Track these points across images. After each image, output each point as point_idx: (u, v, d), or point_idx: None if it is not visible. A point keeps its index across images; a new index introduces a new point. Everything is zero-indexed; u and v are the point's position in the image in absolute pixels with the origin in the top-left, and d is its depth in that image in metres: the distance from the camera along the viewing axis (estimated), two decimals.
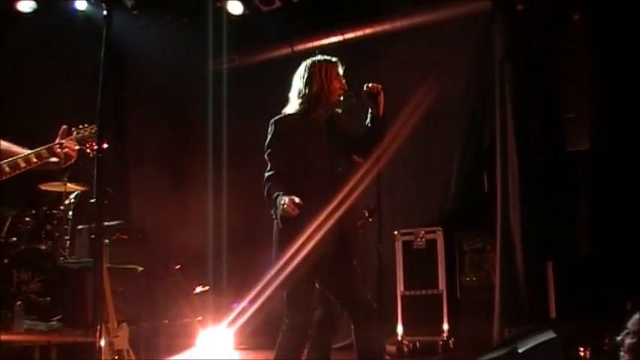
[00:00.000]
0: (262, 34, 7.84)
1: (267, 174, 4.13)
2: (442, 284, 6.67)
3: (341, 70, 4.30)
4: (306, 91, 4.24)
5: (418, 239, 6.87)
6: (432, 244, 6.82)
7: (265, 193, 4.09)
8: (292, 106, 4.31)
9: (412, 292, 6.77)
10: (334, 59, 4.31)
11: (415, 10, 7.32)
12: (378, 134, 4.22)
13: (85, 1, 7.52)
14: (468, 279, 6.81)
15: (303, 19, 7.60)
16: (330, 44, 7.59)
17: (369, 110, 4.23)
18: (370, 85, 4.17)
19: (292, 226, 3.97)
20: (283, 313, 4.04)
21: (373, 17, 7.51)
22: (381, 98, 4.17)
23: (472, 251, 6.85)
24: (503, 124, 6.36)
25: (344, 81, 4.29)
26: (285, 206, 3.85)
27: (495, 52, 6.49)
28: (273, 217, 4.10)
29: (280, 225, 3.98)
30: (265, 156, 4.19)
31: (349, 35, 7.63)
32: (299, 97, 4.27)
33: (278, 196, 3.94)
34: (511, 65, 6.36)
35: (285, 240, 3.98)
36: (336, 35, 7.64)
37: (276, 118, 4.26)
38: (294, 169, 4.13)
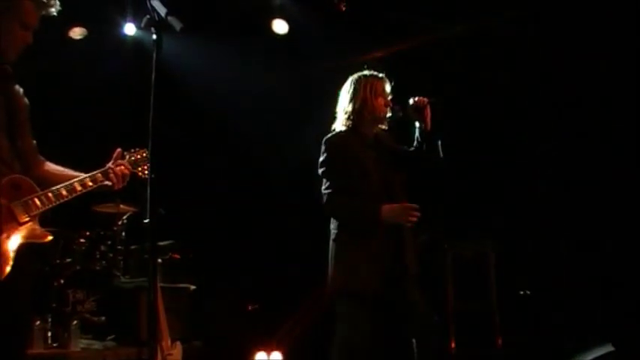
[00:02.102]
0: (308, 50, 7.88)
1: (326, 192, 4.11)
2: (494, 297, 6.59)
3: (388, 87, 4.27)
4: (350, 106, 4.23)
5: (468, 252, 6.80)
6: (482, 256, 6.74)
7: (332, 210, 4.09)
8: (339, 121, 4.31)
9: (463, 305, 6.69)
10: (381, 75, 4.30)
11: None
12: (428, 148, 4.17)
13: (134, 26, 7.70)
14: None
15: (350, 34, 7.59)
16: (376, 58, 7.58)
17: (417, 125, 4.20)
18: (416, 99, 4.15)
19: (356, 243, 4.02)
20: (338, 332, 4.04)
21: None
22: (428, 112, 4.13)
23: None
24: None
25: (390, 97, 4.26)
26: (403, 216, 3.89)
27: None
28: (334, 232, 4.13)
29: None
30: (320, 174, 4.18)
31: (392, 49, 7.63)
32: (344, 113, 4.28)
33: (365, 206, 3.98)
34: None
35: (351, 259, 4.00)
36: (380, 50, 7.64)
37: (328, 136, 4.25)
38: (351, 186, 4.10)
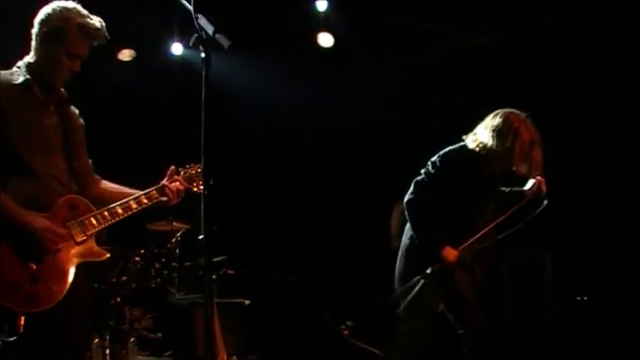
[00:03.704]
0: (353, 61, 7.89)
1: (417, 188, 4.25)
2: (550, 304, 6.47)
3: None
4: (499, 146, 4.20)
5: (523, 258, 6.70)
6: (538, 265, 6.63)
7: (411, 207, 4.23)
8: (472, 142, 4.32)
9: (519, 316, 6.59)
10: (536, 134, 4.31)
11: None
12: (512, 203, 4.29)
13: (181, 46, 7.81)
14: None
15: (395, 43, 7.58)
16: None
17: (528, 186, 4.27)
18: (544, 183, 4.23)
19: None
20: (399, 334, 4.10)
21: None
22: (536, 192, 4.24)
23: None
24: None
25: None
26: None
27: None
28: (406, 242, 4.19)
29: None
30: (425, 172, 4.28)
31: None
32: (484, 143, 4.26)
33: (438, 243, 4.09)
34: None
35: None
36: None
37: (454, 149, 4.33)
38: (446, 202, 4.21)
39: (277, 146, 8.09)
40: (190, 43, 2.85)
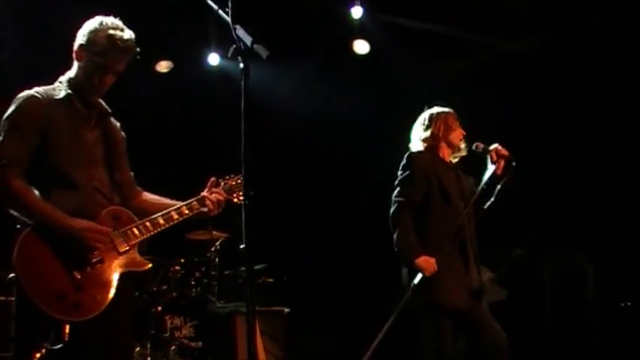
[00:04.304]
0: (389, 71, 7.87)
1: (397, 199, 4.32)
2: (593, 311, 6.38)
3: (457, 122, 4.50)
4: (428, 133, 4.48)
5: (565, 265, 6.62)
6: (579, 270, 6.54)
7: (394, 221, 4.29)
8: (415, 147, 4.55)
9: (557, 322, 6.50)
10: (450, 110, 4.54)
11: None
12: (489, 191, 4.35)
13: (218, 56, 7.87)
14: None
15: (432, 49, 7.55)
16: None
17: (490, 166, 4.35)
18: (500, 147, 4.32)
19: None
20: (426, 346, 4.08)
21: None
22: (502, 164, 4.29)
23: None
24: None
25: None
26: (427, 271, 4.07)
27: None
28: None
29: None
30: (396, 183, 4.39)
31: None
32: (420, 140, 4.51)
33: (410, 244, 4.19)
34: None
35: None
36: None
37: (412, 151, 4.48)
38: (425, 202, 4.29)
39: (315, 155, 8.08)
40: (229, 54, 2.87)
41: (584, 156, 6.95)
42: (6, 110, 3.15)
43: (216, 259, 6.82)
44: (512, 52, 7.32)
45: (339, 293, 7.72)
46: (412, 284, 4.11)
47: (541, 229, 6.72)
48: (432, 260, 4.10)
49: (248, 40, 2.82)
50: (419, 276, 4.10)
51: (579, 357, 6.37)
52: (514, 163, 4.28)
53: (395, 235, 4.26)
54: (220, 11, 2.89)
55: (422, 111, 4.58)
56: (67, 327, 2.94)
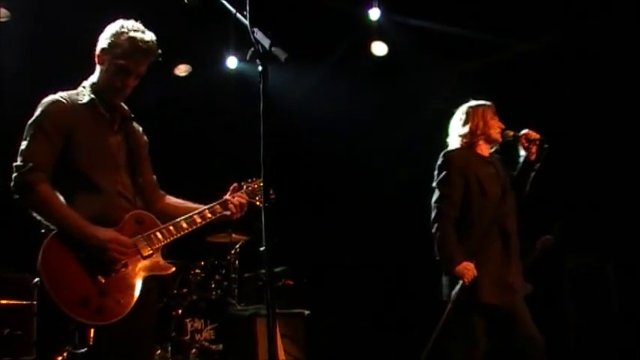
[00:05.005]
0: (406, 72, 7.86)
1: (437, 205, 4.27)
2: (615, 310, 6.33)
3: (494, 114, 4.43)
4: (466, 129, 4.41)
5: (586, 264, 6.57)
6: (600, 271, 6.50)
7: (436, 227, 4.22)
8: (453, 144, 4.48)
9: (582, 323, 6.46)
10: (488, 103, 4.46)
11: None
12: (524, 179, 4.36)
13: (236, 59, 7.89)
14: None
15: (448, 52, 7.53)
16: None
17: (522, 153, 4.34)
18: (531, 131, 4.28)
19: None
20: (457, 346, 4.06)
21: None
22: (535, 149, 4.26)
23: None
24: None
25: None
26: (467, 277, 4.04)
27: None
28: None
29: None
30: (435, 185, 4.36)
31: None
32: (458, 136, 4.44)
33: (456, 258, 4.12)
34: None
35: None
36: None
37: (447, 150, 4.43)
38: (466, 201, 4.25)
39: (335, 156, 8.08)
40: (247, 57, 2.87)
41: (602, 156, 6.89)
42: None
43: (236, 262, 6.84)
44: (530, 52, 7.28)
45: (359, 295, 7.71)
46: (453, 294, 4.08)
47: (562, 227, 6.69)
48: (471, 265, 4.06)
49: (266, 42, 2.82)
50: (459, 284, 4.06)
51: (601, 356, 6.32)
52: (546, 145, 4.24)
53: (435, 243, 4.23)
54: (238, 14, 2.89)
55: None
56: (92, 331, 2.97)
